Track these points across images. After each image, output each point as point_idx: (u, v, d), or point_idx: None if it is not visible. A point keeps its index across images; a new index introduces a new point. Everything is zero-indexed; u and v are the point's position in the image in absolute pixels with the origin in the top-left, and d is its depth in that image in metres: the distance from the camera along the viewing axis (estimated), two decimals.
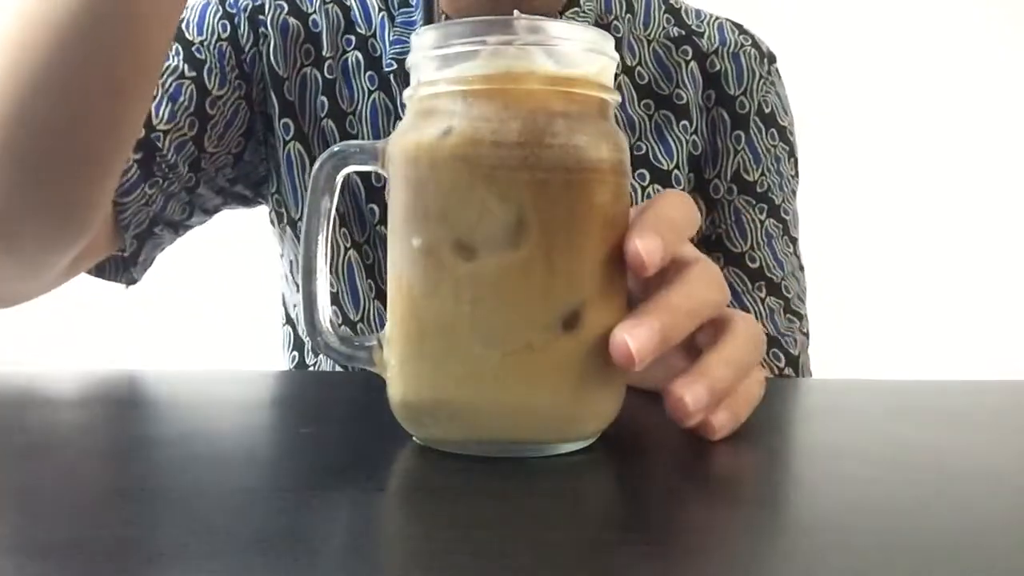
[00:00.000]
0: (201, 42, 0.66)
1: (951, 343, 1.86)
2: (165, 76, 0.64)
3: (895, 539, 0.25)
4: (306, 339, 0.73)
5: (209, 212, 0.71)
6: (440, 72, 0.33)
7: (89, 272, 0.64)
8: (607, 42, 0.34)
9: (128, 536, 0.24)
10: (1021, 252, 1.91)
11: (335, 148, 0.36)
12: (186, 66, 0.64)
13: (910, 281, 1.89)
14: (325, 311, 0.37)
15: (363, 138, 0.68)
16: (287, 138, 0.68)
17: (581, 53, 0.33)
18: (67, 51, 0.44)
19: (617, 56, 0.35)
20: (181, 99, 0.63)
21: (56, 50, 0.44)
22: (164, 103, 0.63)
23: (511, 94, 0.32)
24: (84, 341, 1.76)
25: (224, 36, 0.67)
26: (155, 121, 0.62)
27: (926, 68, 1.91)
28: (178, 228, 0.69)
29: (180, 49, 0.65)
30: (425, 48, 0.34)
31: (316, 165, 0.36)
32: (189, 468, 0.32)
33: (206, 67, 0.65)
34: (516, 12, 0.34)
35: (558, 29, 0.33)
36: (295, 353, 0.76)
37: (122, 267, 0.66)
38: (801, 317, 0.72)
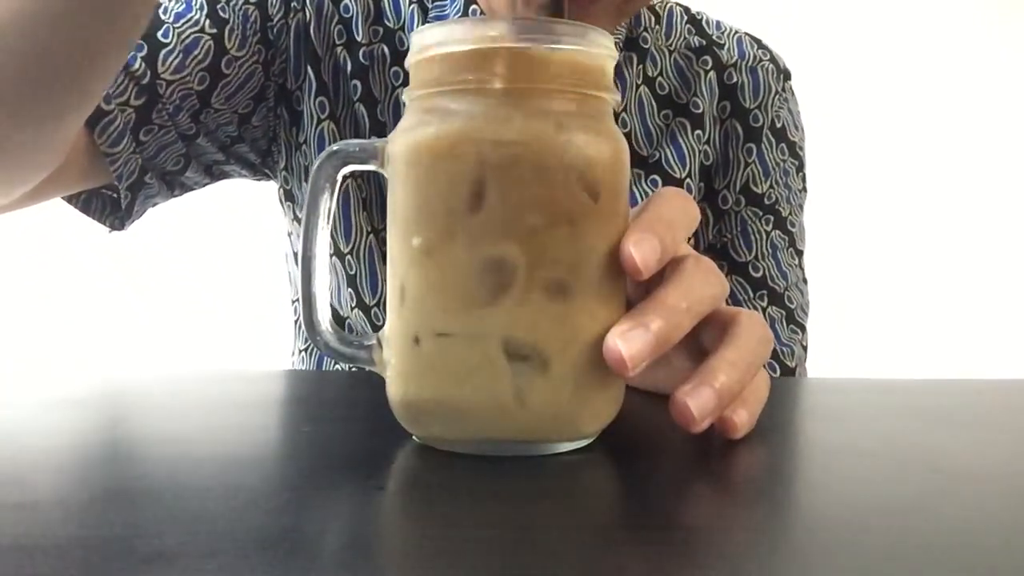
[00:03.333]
0: (227, 1, 0.66)
1: (951, 343, 1.86)
2: (184, 27, 0.63)
3: (895, 538, 0.25)
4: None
5: (212, 173, 0.71)
6: (440, 71, 0.33)
7: (75, 206, 0.65)
8: (607, 40, 0.34)
9: (128, 536, 0.24)
10: (1019, 255, 1.92)
11: (335, 147, 0.36)
12: (208, 22, 0.64)
13: (911, 283, 1.89)
14: (325, 311, 0.36)
15: (390, 132, 0.68)
16: (322, 116, 0.68)
17: (582, 52, 0.33)
18: (39, 10, 0.43)
19: (616, 54, 0.35)
20: (196, 52, 0.63)
21: (27, 7, 0.42)
22: (176, 53, 0.62)
23: (511, 93, 0.32)
24: (83, 340, 1.76)
25: (252, 0, 0.67)
26: (160, 70, 0.62)
27: (932, 83, 1.92)
28: (173, 184, 0.68)
29: (205, 5, 0.65)
30: (424, 47, 0.34)
31: (316, 165, 0.36)
32: (189, 467, 0.32)
33: (228, 26, 0.65)
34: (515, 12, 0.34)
35: (558, 28, 0.33)
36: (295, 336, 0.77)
37: (110, 210, 0.66)
38: (802, 329, 0.72)
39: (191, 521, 0.25)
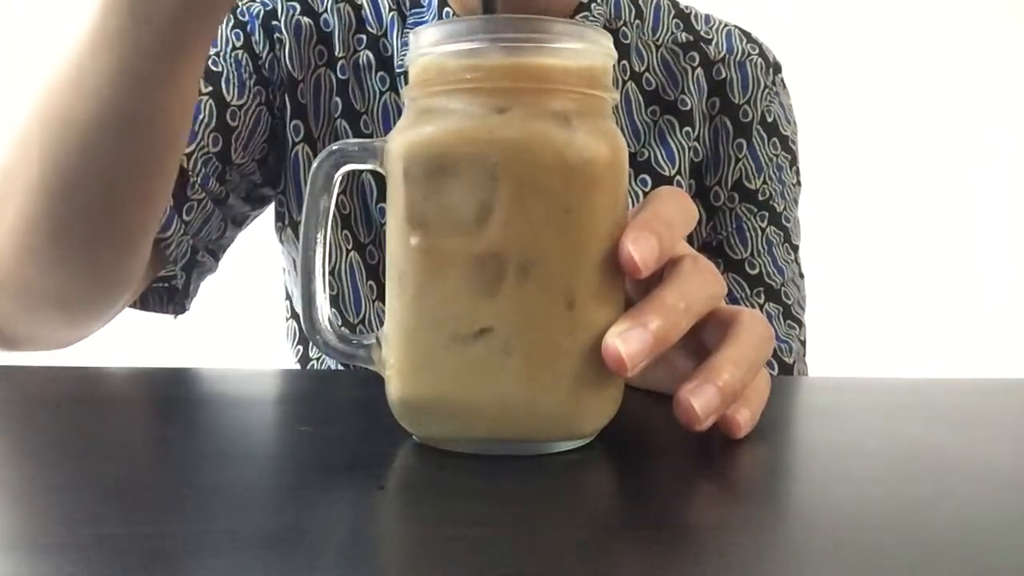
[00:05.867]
0: (216, 54, 0.66)
1: (951, 342, 1.86)
2: None
3: (895, 537, 0.25)
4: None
5: (239, 223, 0.71)
6: (438, 70, 0.33)
7: (134, 307, 0.64)
8: (606, 40, 0.34)
9: (128, 535, 0.24)
10: (1019, 254, 1.92)
11: (334, 147, 0.36)
12: (202, 82, 0.63)
13: (910, 279, 1.89)
14: (324, 310, 0.36)
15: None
16: (296, 139, 0.68)
17: (579, 51, 0.33)
18: (97, 145, 0.46)
19: (615, 53, 0.35)
20: (201, 116, 0.63)
21: (85, 145, 0.46)
22: None
23: (510, 92, 0.32)
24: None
25: (238, 45, 0.67)
26: None
27: (929, 76, 1.92)
28: (217, 253, 0.69)
29: None
30: (423, 47, 0.34)
31: (315, 164, 0.36)
32: (189, 466, 0.32)
33: (223, 78, 0.65)
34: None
35: (556, 27, 0.33)
36: (300, 347, 0.76)
37: (167, 298, 0.66)
38: (800, 324, 0.72)
39: (192, 521, 0.25)
